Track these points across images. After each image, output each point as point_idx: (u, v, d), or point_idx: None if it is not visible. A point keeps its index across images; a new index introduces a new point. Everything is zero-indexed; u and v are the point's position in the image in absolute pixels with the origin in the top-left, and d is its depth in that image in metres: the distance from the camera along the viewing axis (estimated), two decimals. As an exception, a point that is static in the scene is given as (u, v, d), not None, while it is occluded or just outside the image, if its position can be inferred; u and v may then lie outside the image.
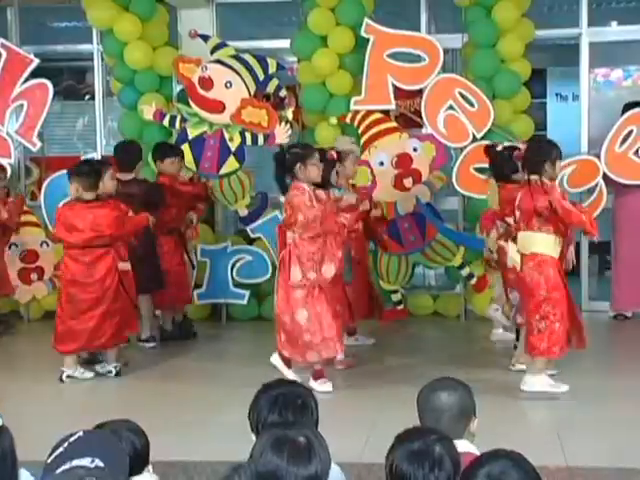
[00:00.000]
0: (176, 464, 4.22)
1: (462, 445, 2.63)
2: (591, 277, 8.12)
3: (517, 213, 5.49)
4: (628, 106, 7.72)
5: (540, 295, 5.31)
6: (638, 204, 7.44)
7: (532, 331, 5.37)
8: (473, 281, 7.52)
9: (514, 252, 5.49)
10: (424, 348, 6.89)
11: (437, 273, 8.38)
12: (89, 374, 6.10)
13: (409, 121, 7.81)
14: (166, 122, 7.72)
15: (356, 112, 7.40)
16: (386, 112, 7.57)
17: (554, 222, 5.34)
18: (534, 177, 5.36)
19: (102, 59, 8.35)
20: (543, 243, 5.35)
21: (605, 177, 7.34)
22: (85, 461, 2.01)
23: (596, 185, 7.31)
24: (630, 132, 7.32)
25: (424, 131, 7.67)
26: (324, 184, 5.79)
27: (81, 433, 2.13)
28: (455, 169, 7.35)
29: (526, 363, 5.63)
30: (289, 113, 7.59)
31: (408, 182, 7.41)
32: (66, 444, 2.08)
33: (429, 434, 2.36)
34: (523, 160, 5.56)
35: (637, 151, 7.33)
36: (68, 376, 6.03)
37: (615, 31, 8.52)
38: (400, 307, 7.76)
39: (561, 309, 5.34)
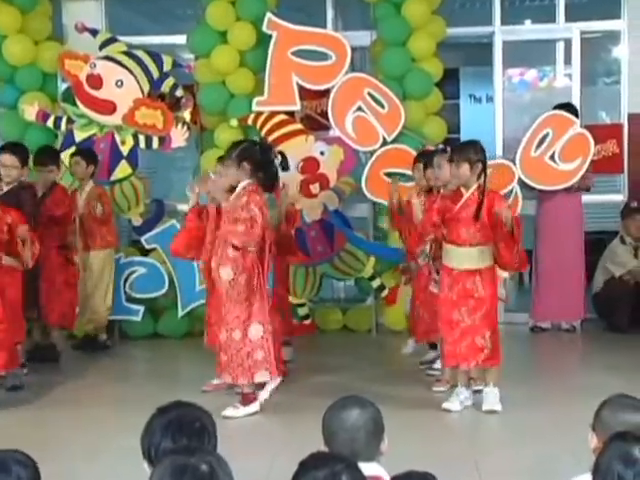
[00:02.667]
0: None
1: (372, 468, 2.57)
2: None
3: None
4: (556, 108, 7.62)
5: (493, 308, 5.37)
6: (560, 211, 7.42)
7: (484, 347, 5.27)
8: (384, 293, 7.49)
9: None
10: (333, 365, 6.77)
11: (347, 285, 8.36)
12: None
13: (315, 123, 7.72)
14: (50, 123, 7.60)
15: (259, 113, 7.32)
16: (291, 113, 7.51)
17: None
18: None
19: (-22, 54, 8.17)
20: (491, 253, 5.31)
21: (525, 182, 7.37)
22: None
23: (511, 191, 7.22)
24: (546, 135, 7.30)
25: (331, 134, 7.65)
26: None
27: None
28: (365, 174, 7.33)
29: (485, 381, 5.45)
30: (186, 114, 7.56)
31: (315, 188, 7.36)
32: None
33: (335, 462, 2.27)
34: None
35: (553, 155, 7.31)
36: None
37: (529, 29, 8.77)
38: (307, 322, 7.65)
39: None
